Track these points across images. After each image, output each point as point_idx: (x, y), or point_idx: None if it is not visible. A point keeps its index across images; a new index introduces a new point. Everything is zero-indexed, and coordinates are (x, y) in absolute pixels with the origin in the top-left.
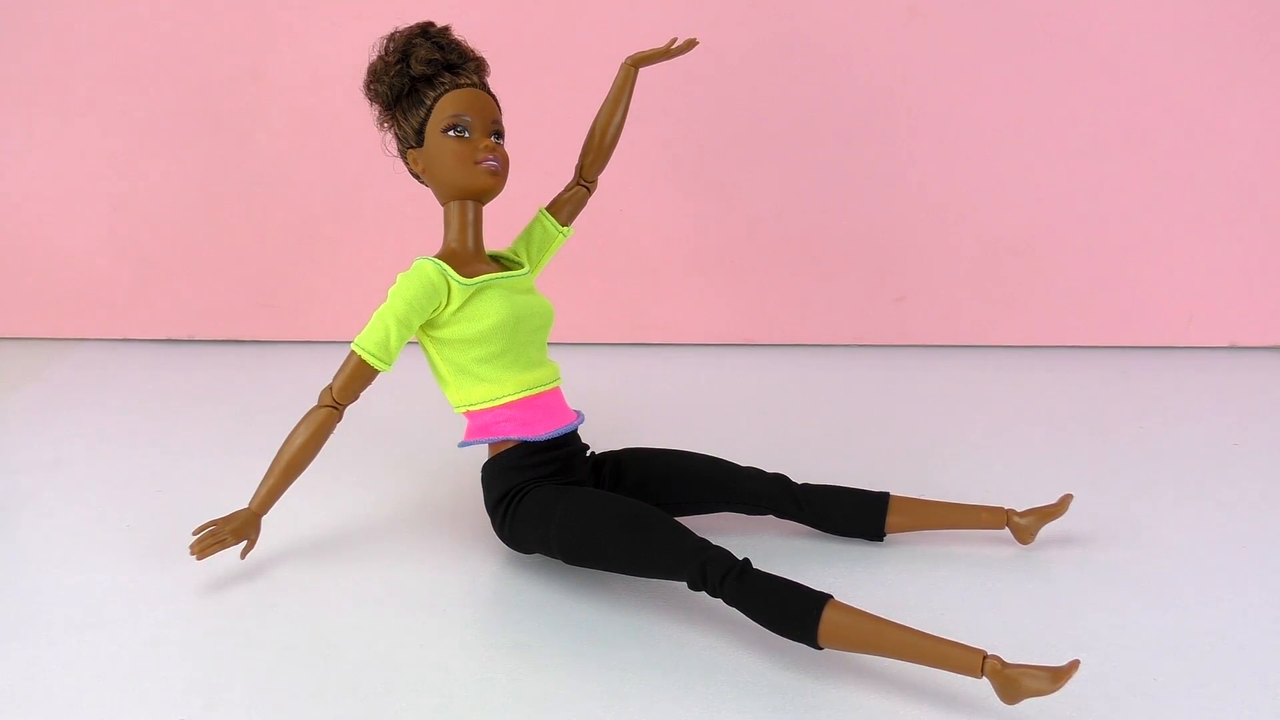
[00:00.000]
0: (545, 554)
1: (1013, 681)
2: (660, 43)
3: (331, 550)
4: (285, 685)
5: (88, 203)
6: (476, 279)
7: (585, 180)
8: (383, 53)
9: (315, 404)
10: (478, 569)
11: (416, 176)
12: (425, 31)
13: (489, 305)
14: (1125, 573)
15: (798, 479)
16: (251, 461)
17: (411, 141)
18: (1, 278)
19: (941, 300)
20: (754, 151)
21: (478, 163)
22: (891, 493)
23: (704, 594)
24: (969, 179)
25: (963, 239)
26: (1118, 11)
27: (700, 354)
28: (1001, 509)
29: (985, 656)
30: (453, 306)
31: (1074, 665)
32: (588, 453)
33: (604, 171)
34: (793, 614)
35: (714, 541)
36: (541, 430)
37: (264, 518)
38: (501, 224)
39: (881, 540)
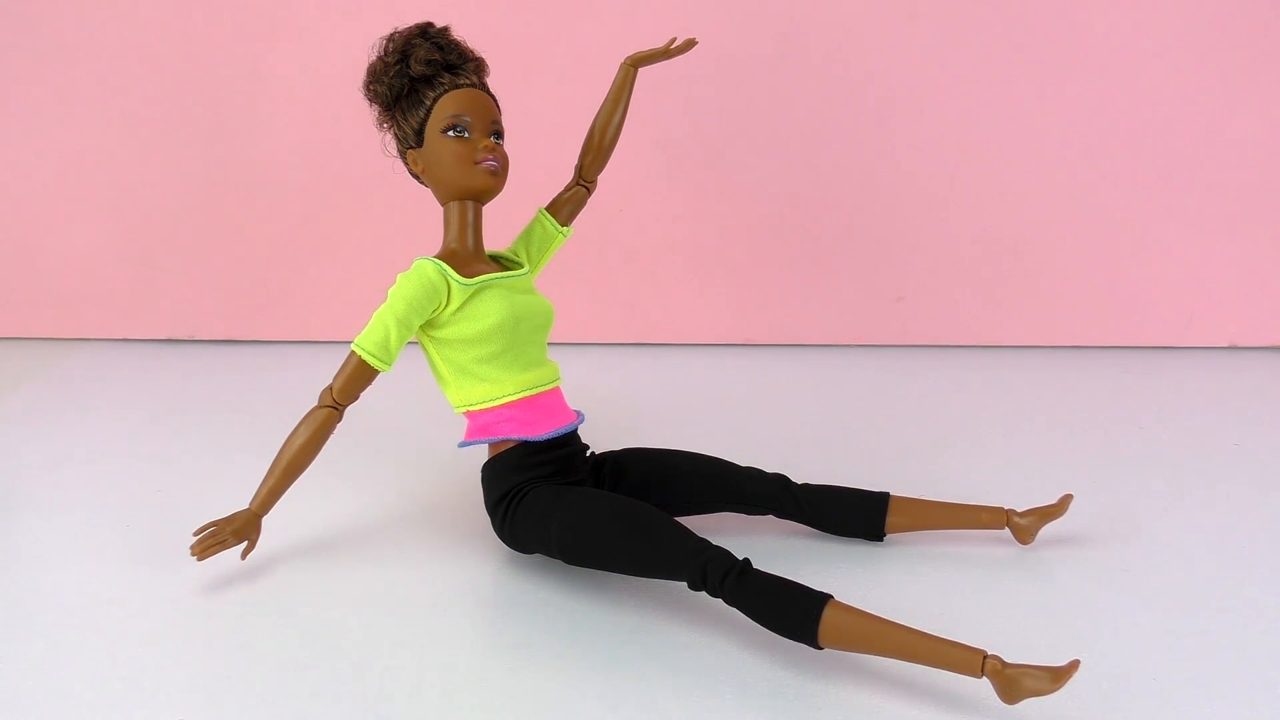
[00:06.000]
0: (545, 554)
1: (1013, 681)
2: (660, 43)
3: (332, 550)
4: (285, 685)
5: (88, 203)
6: (476, 279)
7: (585, 180)
8: (382, 53)
9: (315, 404)
10: (478, 569)
11: (416, 177)
12: (424, 32)
13: (489, 305)
14: (1125, 573)
15: (798, 479)
16: (251, 462)
17: (411, 142)
18: (1, 278)
19: (941, 300)
20: (754, 151)
21: (477, 163)
22: (891, 493)
23: (704, 594)
24: (969, 179)
25: (963, 239)
26: (1118, 12)
27: (700, 354)
28: (1001, 509)
29: (985, 656)
30: (452, 306)
31: (1074, 665)
32: (588, 453)
33: (604, 171)
34: (793, 614)
35: (714, 541)
36: (541, 430)
37: (264, 518)
38: (501, 224)
39: (881, 540)
